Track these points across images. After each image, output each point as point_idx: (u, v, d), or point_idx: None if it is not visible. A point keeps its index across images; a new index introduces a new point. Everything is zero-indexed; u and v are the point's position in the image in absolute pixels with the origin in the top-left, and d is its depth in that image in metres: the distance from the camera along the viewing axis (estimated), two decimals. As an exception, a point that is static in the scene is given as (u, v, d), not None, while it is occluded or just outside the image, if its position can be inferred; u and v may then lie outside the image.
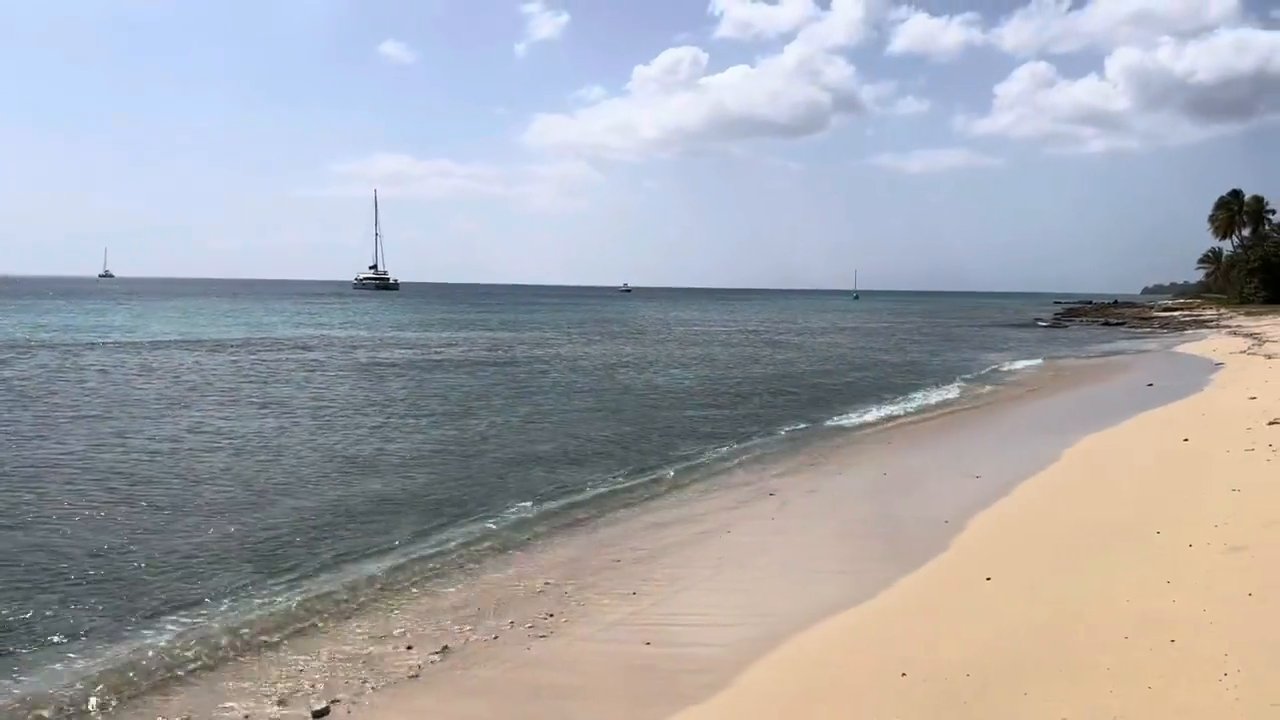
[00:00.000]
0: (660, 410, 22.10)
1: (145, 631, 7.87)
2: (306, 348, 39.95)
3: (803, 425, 19.76)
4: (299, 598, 8.69)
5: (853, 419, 20.89)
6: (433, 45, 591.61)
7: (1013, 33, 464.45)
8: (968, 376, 31.27)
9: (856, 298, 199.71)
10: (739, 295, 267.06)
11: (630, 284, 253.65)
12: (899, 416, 21.48)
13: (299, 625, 8.06)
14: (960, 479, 13.46)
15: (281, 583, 9.14)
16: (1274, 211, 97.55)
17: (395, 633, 7.85)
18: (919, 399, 24.72)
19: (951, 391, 26.60)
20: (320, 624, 8.10)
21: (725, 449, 17.00)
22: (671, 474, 14.66)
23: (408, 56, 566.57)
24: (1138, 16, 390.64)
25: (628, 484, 13.98)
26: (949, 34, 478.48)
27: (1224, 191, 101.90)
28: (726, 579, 9.12)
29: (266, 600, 8.65)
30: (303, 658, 7.35)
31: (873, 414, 21.69)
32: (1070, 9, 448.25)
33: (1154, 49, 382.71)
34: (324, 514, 11.78)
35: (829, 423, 20.32)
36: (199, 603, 8.55)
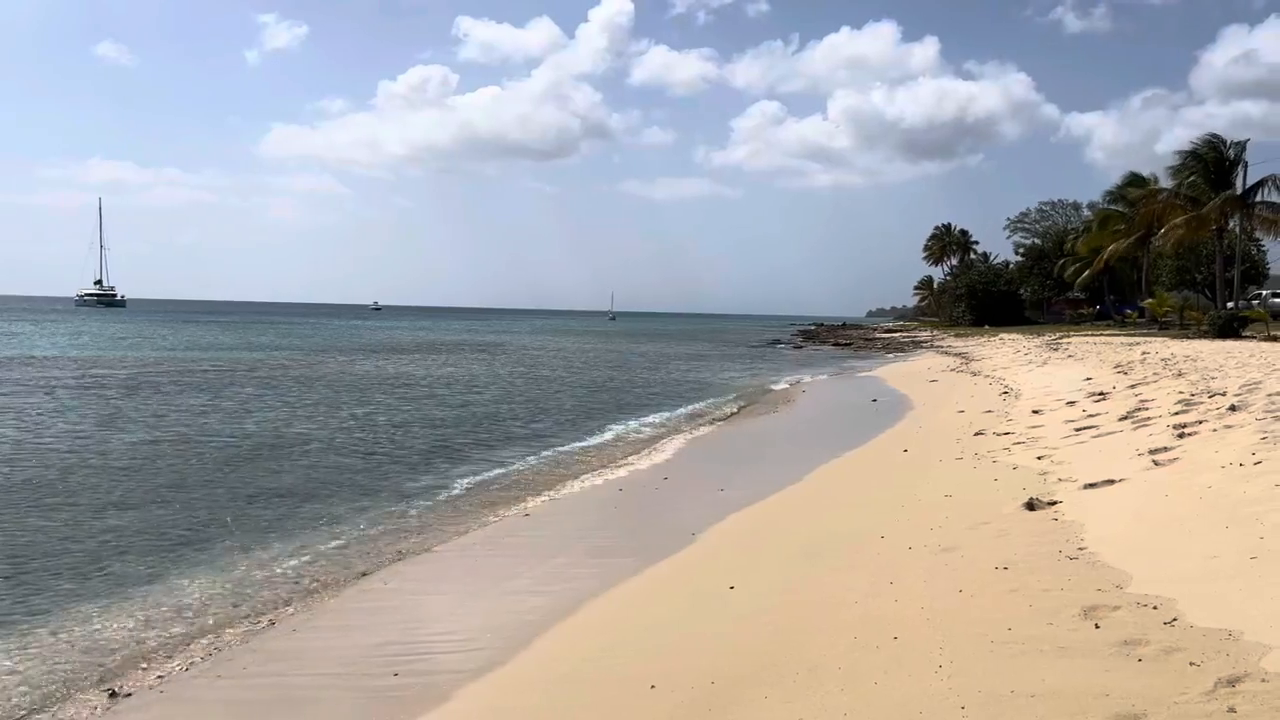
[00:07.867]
0: (411, 432, 21.51)
1: None
2: (7, 367, 35.80)
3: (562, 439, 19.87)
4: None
5: (602, 436, 21.21)
6: (155, 49, 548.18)
7: (745, 70, 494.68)
8: (715, 396, 32.59)
9: (613, 318, 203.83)
10: (495, 314, 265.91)
11: (381, 302, 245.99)
12: (650, 432, 22.01)
13: None
14: (706, 494, 13.94)
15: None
16: (977, 243, 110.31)
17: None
18: (670, 415, 25.46)
19: (700, 408, 27.61)
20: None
21: (470, 468, 16.77)
22: (413, 510, 13.75)
23: (127, 59, 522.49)
24: (852, 62, 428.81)
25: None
26: (687, 68, 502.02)
27: (934, 224, 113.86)
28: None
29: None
30: None
31: (625, 428, 22.14)
32: (795, 51, 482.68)
33: (868, 93, 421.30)
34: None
35: (579, 442, 20.50)
36: None
